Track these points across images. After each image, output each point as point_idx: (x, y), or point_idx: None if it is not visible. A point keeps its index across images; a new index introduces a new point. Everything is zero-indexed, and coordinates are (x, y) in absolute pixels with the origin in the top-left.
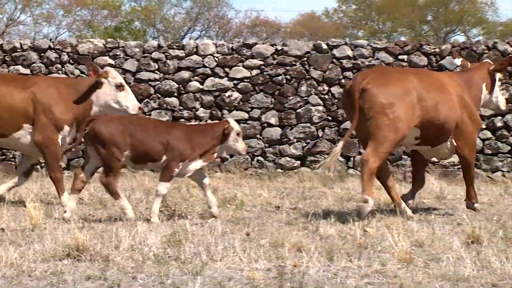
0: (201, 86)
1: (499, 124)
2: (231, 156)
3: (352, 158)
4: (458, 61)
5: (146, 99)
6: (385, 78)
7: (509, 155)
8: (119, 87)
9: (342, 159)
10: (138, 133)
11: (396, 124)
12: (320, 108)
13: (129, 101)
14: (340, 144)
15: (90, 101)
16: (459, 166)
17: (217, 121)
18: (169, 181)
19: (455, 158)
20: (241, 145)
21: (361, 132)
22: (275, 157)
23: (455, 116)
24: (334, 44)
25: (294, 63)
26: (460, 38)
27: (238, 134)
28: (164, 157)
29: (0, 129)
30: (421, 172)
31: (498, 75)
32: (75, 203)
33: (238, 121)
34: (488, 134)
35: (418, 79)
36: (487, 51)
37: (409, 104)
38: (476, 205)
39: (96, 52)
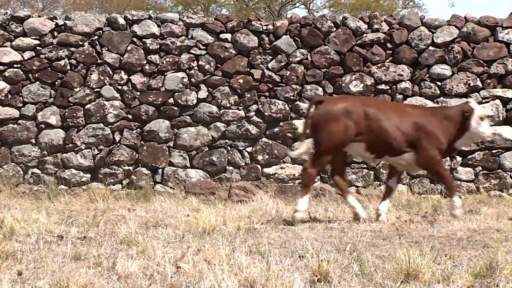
0: None
1: None
2: None
3: (160, 170)
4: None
5: None
6: None
7: (365, 166)
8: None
9: (146, 172)
10: None
11: None
12: (117, 103)
13: None
14: None
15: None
16: (299, 180)
17: None
18: None
19: (294, 170)
20: None
21: None
22: (56, 169)
23: None
24: (135, 18)
25: (81, 43)
26: (299, 11)
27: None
28: None
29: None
30: None
31: None
32: None
33: (5, 120)
34: None
35: None
36: (334, 29)
37: None
38: None
39: None
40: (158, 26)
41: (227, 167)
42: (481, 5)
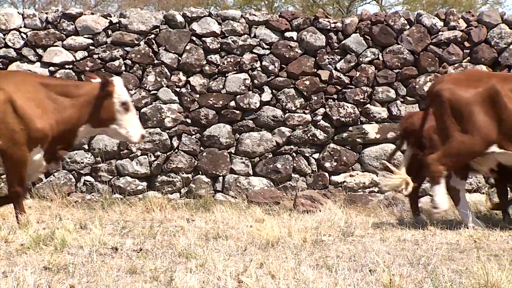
0: None
1: None
2: (47, 175)
3: (221, 178)
4: None
5: None
6: None
7: None
8: None
9: (206, 180)
10: None
11: None
12: (175, 106)
13: None
14: None
15: None
16: (371, 189)
17: None
18: None
19: (364, 178)
20: None
21: None
22: (110, 177)
23: None
24: (194, 15)
25: (136, 42)
26: (370, 8)
27: None
28: None
29: None
30: None
31: None
32: None
33: None
34: None
35: None
36: (408, 27)
37: None
38: None
39: None
40: (219, 24)
41: (293, 175)
42: None
